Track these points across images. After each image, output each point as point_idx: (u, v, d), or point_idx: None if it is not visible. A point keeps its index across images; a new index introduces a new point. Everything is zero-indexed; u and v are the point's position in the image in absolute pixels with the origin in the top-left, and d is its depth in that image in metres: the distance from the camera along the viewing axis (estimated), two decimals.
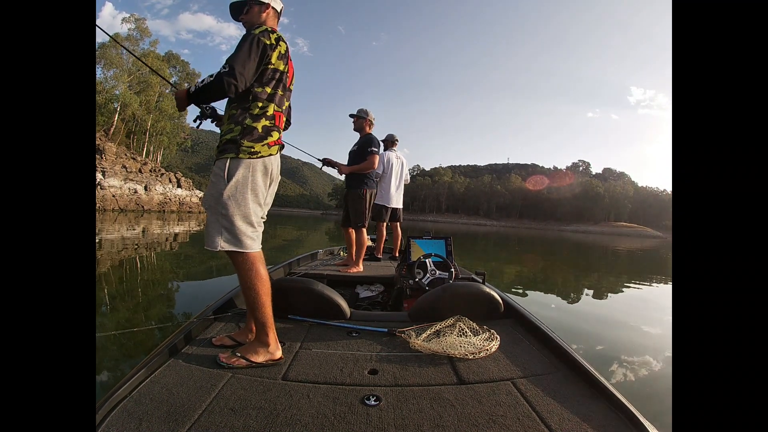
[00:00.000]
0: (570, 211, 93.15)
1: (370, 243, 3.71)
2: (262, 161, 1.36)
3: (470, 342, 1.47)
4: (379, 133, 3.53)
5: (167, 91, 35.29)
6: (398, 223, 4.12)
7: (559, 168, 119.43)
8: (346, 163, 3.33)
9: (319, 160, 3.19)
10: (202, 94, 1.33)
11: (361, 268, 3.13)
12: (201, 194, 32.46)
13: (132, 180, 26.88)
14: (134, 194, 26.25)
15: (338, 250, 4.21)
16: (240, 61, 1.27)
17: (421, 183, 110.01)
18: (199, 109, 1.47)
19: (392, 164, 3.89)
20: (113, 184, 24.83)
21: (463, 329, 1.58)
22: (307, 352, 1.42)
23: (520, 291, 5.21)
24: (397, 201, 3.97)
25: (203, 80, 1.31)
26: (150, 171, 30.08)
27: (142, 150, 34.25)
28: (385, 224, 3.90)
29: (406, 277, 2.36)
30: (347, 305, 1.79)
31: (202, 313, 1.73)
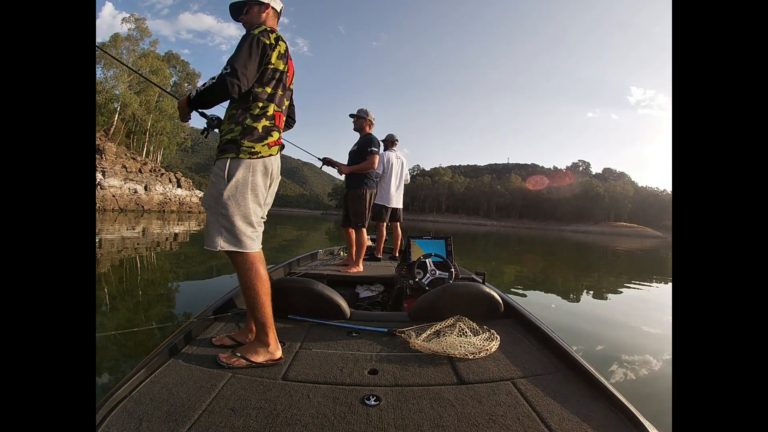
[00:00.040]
0: (570, 211, 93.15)
1: (370, 243, 3.71)
2: (263, 161, 1.36)
3: (470, 342, 1.47)
4: (379, 133, 3.52)
5: (167, 91, 35.27)
6: (398, 223, 4.12)
7: (559, 168, 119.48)
8: (346, 163, 3.33)
9: (319, 159, 3.19)
10: (204, 97, 1.31)
11: (361, 268, 3.12)
12: (201, 194, 32.46)
13: (132, 180, 26.88)
14: (134, 194, 26.25)
15: (338, 250, 4.21)
16: (241, 61, 1.27)
17: (421, 183, 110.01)
18: (205, 120, 1.48)
19: (392, 164, 3.89)
20: (113, 184, 24.84)
21: (463, 329, 1.58)
22: (307, 352, 1.42)
23: (520, 291, 5.21)
24: (397, 201, 3.97)
25: (204, 84, 1.30)
26: (150, 171, 30.08)
27: (142, 150, 34.25)
28: (385, 224, 3.90)
29: (406, 277, 2.36)
30: (347, 305, 1.79)
31: (202, 313, 1.73)
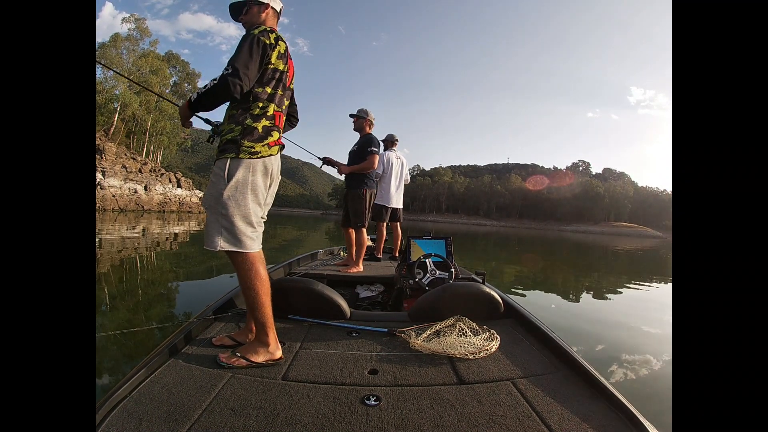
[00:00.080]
0: (570, 211, 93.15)
1: (370, 243, 3.71)
2: (263, 161, 1.36)
3: (470, 342, 1.47)
4: (379, 133, 3.54)
5: (167, 91, 35.31)
6: (398, 223, 4.12)
7: (559, 168, 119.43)
8: (346, 163, 3.33)
9: (319, 158, 3.19)
10: (205, 99, 1.31)
11: (361, 268, 3.12)
12: (201, 194, 32.46)
13: (132, 180, 26.88)
14: (134, 194, 26.25)
15: (338, 250, 4.21)
16: (242, 61, 1.27)
17: (421, 183, 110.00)
18: (210, 126, 1.49)
19: (392, 164, 3.89)
20: (113, 184, 24.83)
21: (463, 329, 1.58)
22: (307, 352, 1.42)
23: (520, 291, 5.21)
24: (397, 201, 3.97)
25: (206, 85, 1.30)
26: (150, 171, 30.08)
27: (142, 150, 34.26)
28: (385, 224, 3.90)
29: (406, 277, 2.36)
30: (347, 305, 1.79)
31: (202, 313, 1.73)
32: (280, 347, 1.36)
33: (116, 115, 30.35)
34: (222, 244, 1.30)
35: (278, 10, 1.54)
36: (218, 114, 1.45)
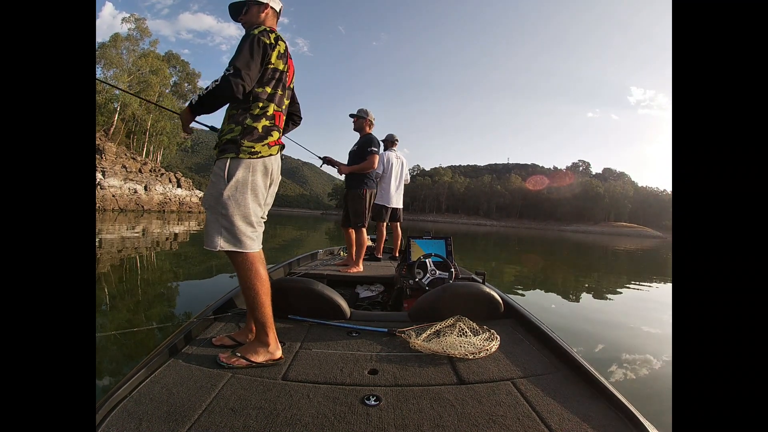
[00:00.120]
0: (570, 211, 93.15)
1: (370, 243, 3.71)
2: (263, 161, 1.36)
3: (470, 342, 1.47)
4: (379, 133, 3.54)
5: (167, 91, 35.31)
6: (398, 223, 4.12)
7: (559, 168, 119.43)
8: (346, 163, 3.33)
9: (319, 157, 3.18)
10: (208, 100, 1.30)
11: (361, 268, 3.13)
12: (201, 194, 32.47)
13: (132, 180, 26.89)
14: (134, 194, 26.25)
15: (338, 250, 4.21)
16: (244, 61, 1.27)
17: (421, 183, 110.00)
18: (216, 131, 1.48)
19: (392, 164, 3.89)
20: (113, 184, 24.84)
21: (463, 329, 1.58)
22: (307, 352, 1.42)
23: (520, 291, 5.21)
24: (397, 201, 3.97)
25: (207, 87, 1.29)
26: (150, 171, 30.08)
27: (142, 150, 34.26)
28: (385, 224, 3.90)
29: (406, 277, 2.36)
30: (347, 305, 1.79)
31: (202, 313, 1.73)
32: (280, 347, 1.36)
33: (116, 115, 30.37)
34: (222, 244, 1.30)
35: (278, 10, 1.54)
36: (220, 120, 1.44)
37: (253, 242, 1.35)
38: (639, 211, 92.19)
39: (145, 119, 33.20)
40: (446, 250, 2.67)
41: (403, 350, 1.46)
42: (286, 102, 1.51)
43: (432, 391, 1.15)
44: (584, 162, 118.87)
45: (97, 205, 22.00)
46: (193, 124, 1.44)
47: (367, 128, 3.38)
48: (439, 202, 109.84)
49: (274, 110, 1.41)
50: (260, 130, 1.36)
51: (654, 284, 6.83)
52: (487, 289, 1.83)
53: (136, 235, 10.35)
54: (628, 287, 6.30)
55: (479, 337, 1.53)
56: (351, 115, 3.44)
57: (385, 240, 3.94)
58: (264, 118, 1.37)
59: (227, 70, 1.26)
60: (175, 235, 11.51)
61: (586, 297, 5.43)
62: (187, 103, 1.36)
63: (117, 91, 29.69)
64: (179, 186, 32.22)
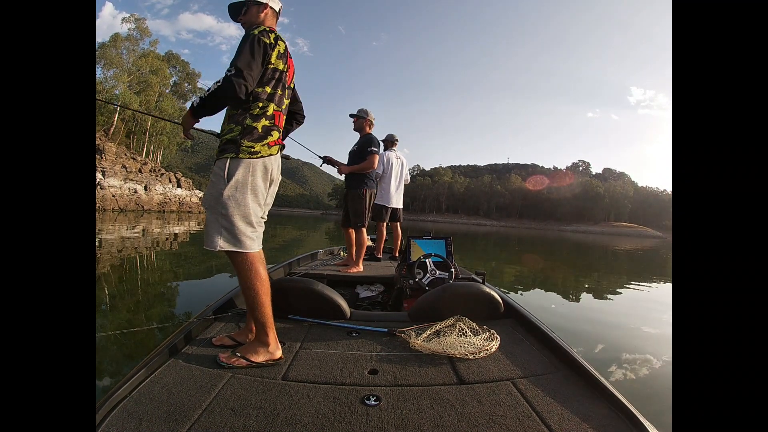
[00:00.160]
0: (570, 211, 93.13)
1: (370, 243, 3.71)
2: (262, 161, 1.36)
3: (470, 342, 1.47)
4: (379, 133, 3.52)
5: (167, 91, 35.31)
6: (398, 223, 4.12)
7: (559, 168, 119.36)
8: (346, 163, 3.33)
9: (319, 157, 3.18)
10: (210, 102, 1.29)
11: (361, 268, 3.13)
12: (201, 194, 32.46)
13: (132, 180, 26.88)
14: (134, 194, 26.25)
15: (338, 250, 4.21)
16: (245, 61, 1.27)
17: (421, 183, 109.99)
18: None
19: (392, 164, 3.89)
20: (113, 184, 24.83)
21: (463, 329, 1.58)
22: (307, 352, 1.42)
23: (520, 291, 5.21)
24: (397, 201, 3.97)
25: (209, 89, 1.28)
26: (150, 171, 30.08)
27: (142, 150, 34.26)
28: (385, 224, 3.90)
29: (406, 277, 2.36)
30: (347, 305, 1.79)
31: (202, 313, 1.73)
32: (280, 347, 1.36)
33: (116, 115, 30.34)
34: (222, 244, 1.30)
35: (277, 10, 1.54)
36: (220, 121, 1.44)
37: (253, 242, 1.35)
38: (639, 211, 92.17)
39: (145, 119, 33.20)
40: (446, 250, 2.67)
41: (403, 350, 1.46)
42: (286, 102, 1.51)
43: (432, 391, 1.15)
44: (584, 162, 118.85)
45: (97, 205, 22.00)
46: (196, 126, 1.44)
47: (367, 128, 3.38)
48: (439, 202, 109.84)
49: (273, 110, 1.41)
50: (260, 130, 1.36)
51: (654, 284, 6.83)
52: (487, 289, 1.83)
53: (136, 235, 10.35)
54: (628, 287, 6.30)
55: (479, 337, 1.53)
56: (351, 115, 3.44)
57: (385, 240, 3.94)
58: (264, 118, 1.37)
59: (229, 70, 1.26)
60: (175, 235, 11.50)
61: (586, 297, 5.43)
62: (188, 105, 1.35)
63: (117, 91, 29.71)
64: (179, 186, 32.22)
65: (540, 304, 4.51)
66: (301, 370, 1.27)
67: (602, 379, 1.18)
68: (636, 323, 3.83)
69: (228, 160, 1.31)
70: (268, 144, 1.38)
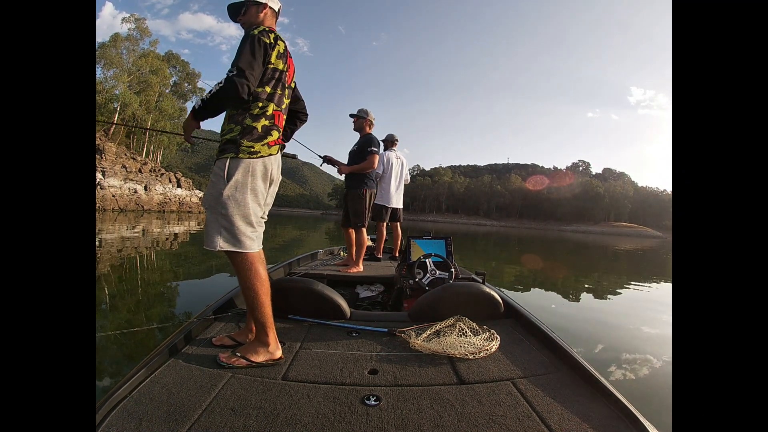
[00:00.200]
0: (570, 211, 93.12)
1: (370, 243, 3.71)
2: (262, 161, 1.36)
3: (470, 342, 1.47)
4: (379, 133, 3.52)
5: (167, 91, 35.31)
6: (398, 223, 4.12)
7: (559, 168, 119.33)
8: (346, 163, 3.33)
9: (319, 156, 3.18)
10: (212, 103, 1.28)
11: (361, 268, 3.13)
12: (201, 194, 32.46)
13: (132, 180, 26.89)
14: (134, 194, 26.25)
15: (338, 250, 4.21)
16: (246, 61, 1.26)
17: (421, 183, 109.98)
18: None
19: (392, 164, 3.89)
20: (113, 184, 24.84)
21: (463, 329, 1.58)
22: (307, 352, 1.42)
23: (520, 291, 5.21)
24: (397, 201, 3.97)
25: (210, 90, 1.27)
26: (150, 171, 30.08)
27: (142, 150, 34.26)
28: (385, 224, 3.90)
29: (406, 277, 2.36)
30: (347, 305, 1.79)
31: (202, 313, 1.73)
32: (280, 347, 1.37)
33: (116, 115, 30.32)
34: (222, 244, 1.30)
35: (276, 10, 1.54)
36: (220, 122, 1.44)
37: (253, 242, 1.35)
38: (639, 211, 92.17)
39: (145, 119, 33.19)
40: (446, 250, 2.67)
41: (403, 350, 1.46)
42: (286, 101, 1.51)
43: (432, 391, 1.15)
44: (584, 162, 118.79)
45: (97, 205, 22.00)
46: (197, 131, 1.44)
47: (367, 128, 3.38)
48: (439, 202, 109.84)
49: (273, 110, 1.41)
50: (260, 130, 1.36)
51: (654, 284, 6.84)
52: (487, 289, 1.83)
53: (136, 235, 10.35)
54: (628, 287, 6.30)
55: (479, 337, 1.53)
56: (351, 115, 3.44)
57: (385, 240, 3.94)
58: (263, 118, 1.37)
59: (230, 71, 1.25)
60: (175, 235, 11.50)
61: (586, 297, 5.43)
62: (188, 105, 1.35)
63: (117, 91, 29.70)
64: (179, 186, 32.22)
65: (540, 304, 4.51)
66: (301, 370, 1.27)
67: (602, 379, 1.18)
68: (636, 323, 3.83)
69: (228, 160, 1.31)
70: (267, 144, 1.38)
